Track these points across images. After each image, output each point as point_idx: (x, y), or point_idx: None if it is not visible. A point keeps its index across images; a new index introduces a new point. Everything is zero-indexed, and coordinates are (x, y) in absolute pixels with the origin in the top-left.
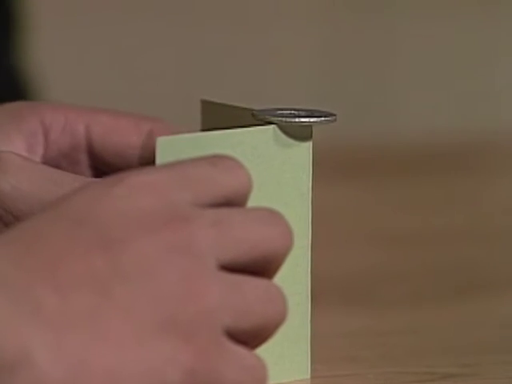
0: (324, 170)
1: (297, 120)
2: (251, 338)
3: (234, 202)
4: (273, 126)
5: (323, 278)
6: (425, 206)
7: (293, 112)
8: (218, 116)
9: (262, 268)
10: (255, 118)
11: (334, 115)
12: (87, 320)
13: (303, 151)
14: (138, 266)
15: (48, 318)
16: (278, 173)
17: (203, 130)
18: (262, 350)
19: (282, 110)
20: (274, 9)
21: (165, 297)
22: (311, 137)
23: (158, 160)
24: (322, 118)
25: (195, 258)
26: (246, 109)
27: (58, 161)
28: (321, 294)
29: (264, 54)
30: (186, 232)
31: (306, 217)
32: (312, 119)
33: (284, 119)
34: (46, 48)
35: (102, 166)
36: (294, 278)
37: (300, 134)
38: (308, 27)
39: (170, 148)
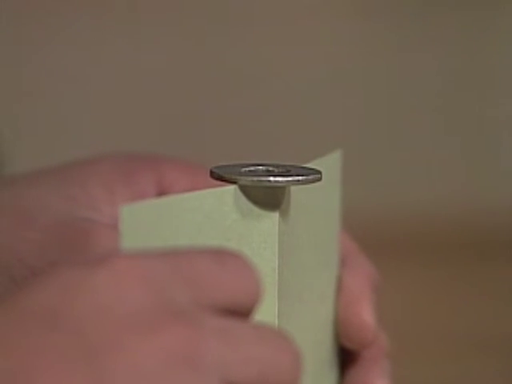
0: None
1: (262, 179)
2: None
3: (238, 312)
4: (234, 186)
5: None
6: None
7: (269, 169)
8: None
9: None
10: (212, 177)
11: (318, 173)
12: None
13: (270, 221)
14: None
15: None
16: (237, 248)
17: None
18: None
19: (252, 165)
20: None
21: None
22: (281, 203)
23: (124, 229)
24: (298, 178)
25: (198, 374)
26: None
27: None
28: None
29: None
30: (189, 339)
31: (272, 308)
32: (283, 179)
33: (246, 178)
34: None
35: None
36: None
37: (268, 198)
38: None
39: (134, 216)
